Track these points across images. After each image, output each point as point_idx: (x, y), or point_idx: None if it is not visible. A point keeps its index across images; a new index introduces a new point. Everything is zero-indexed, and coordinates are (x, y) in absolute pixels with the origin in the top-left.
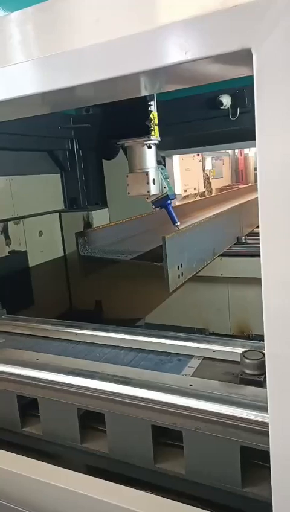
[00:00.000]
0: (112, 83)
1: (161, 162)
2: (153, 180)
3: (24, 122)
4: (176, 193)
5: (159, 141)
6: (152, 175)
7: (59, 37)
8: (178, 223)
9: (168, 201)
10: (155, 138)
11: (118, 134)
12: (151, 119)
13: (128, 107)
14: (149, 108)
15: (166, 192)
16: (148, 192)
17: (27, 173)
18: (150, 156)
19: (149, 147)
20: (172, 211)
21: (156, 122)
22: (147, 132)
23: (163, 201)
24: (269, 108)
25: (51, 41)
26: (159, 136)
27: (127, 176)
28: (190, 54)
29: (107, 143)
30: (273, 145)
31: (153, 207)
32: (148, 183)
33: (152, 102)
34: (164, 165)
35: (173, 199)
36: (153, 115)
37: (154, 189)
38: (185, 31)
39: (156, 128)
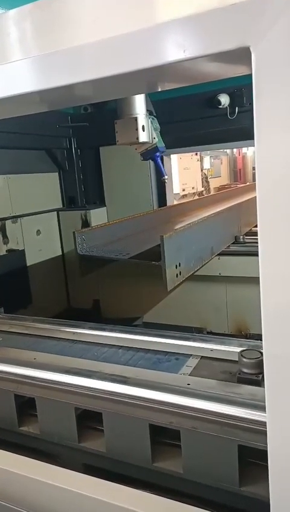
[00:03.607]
0: (109, 81)
1: (151, 112)
2: (143, 126)
3: (22, 121)
4: (174, 192)
5: None
6: (141, 121)
7: (57, 34)
8: (166, 177)
9: (157, 154)
10: None
11: None
12: None
13: None
14: None
15: (155, 144)
16: (137, 139)
17: (25, 172)
18: (139, 100)
19: None
20: (161, 164)
21: None
22: None
23: (152, 152)
24: (268, 107)
25: (49, 39)
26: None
27: (116, 123)
28: (188, 53)
29: None
30: (272, 144)
31: (142, 158)
32: (137, 129)
33: None
34: (155, 116)
35: (163, 152)
36: None
37: (143, 137)
38: (183, 29)
39: None
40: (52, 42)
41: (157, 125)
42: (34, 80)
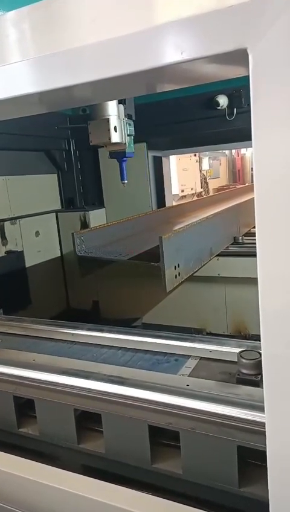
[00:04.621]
0: (108, 82)
1: (131, 116)
2: (115, 127)
3: (21, 122)
4: (173, 193)
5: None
6: (113, 122)
7: (56, 36)
8: (125, 181)
9: (124, 158)
10: None
11: None
12: None
13: None
14: None
15: (124, 148)
16: (109, 139)
17: (24, 173)
18: (111, 102)
19: None
20: (124, 169)
21: None
22: None
23: (119, 155)
24: (266, 108)
25: (48, 41)
26: (156, 136)
27: (89, 124)
28: (186, 54)
29: None
30: (270, 145)
31: (109, 156)
32: (109, 130)
33: None
34: (133, 121)
35: (130, 157)
36: None
37: (115, 137)
38: (181, 31)
39: None
40: (51, 44)
41: (132, 130)
42: (33, 82)
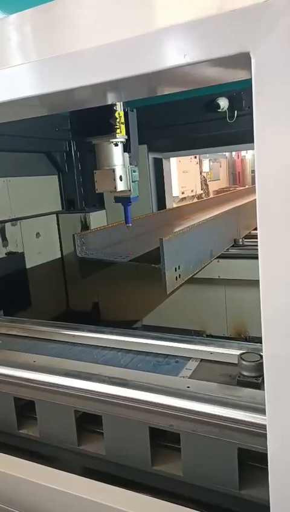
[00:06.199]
0: (110, 85)
1: (136, 163)
2: (120, 177)
3: (22, 124)
4: (173, 195)
5: (126, 139)
6: (119, 172)
7: (57, 39)
8: (130, 224)
9: (129, 203)
10: (121, 136)
11: (85, 131)
12: (116, 118)
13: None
14: (114, 108)
15: (129, 194)
16: (115, 188)
17: (25, 175)
18: (117, 153)
19: (116, 144)
20: (129, 213)
21: (122, 120)
22: (111, 130)
23: (124, 200)
24: (268, 110)
25: (49, 44)
26: (156, 138)
27: (95, 173)
28: (189, 58)
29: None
30: (272, 147)
31: (114, 201)
32: (114, 179)
33: (117, 103)
34: (136, 165)
35: (135, 201)
36: (118, 113)
37: (121, 186)
38: (184, 34)
39: (122, 126)
40: (52, 47)
41: (137, 175)
42: (35, 84)
